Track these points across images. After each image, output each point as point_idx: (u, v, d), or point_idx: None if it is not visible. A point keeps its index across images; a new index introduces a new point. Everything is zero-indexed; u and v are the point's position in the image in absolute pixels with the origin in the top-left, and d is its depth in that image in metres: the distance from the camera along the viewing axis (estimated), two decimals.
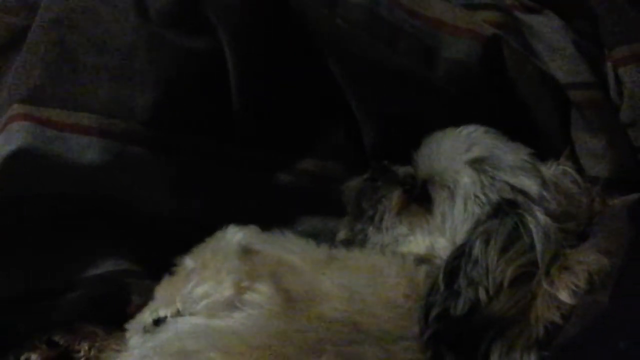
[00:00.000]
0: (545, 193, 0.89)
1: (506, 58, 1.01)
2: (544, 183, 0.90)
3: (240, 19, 0.99)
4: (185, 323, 0.84)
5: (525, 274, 0.83)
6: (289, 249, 0.89)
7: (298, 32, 1.01)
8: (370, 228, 0.98)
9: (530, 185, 0.89)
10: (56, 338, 0.94)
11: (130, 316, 0.93)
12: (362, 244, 0.97)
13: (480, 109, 1.01)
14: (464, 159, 0.93)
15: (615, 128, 1.02)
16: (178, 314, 0.87)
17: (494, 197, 0.89)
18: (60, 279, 0.96)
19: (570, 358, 0.79)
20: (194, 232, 0.94)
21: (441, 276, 0.84)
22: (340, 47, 1.00)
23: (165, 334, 0.83)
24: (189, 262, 0.92)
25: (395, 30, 0.99)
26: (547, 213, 0.86)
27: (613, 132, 1.01)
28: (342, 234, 1.00)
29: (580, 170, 1.01)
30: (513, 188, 0.89)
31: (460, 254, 0.85)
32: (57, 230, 0.96)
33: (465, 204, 0.90)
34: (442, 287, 0.84)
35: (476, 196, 0.90)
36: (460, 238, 0.90)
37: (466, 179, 0.91)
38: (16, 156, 0.91)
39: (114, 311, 0.96)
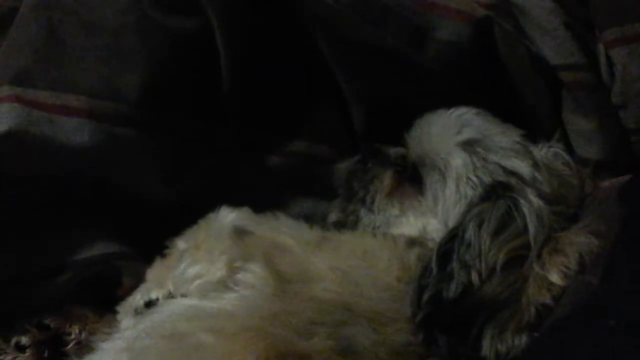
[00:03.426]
0: (537, 175, 0.89)
1: (497, 39, 1.01)
2: (535, 165, 0.90)
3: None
4: (177, 304, 0.84)
5: (517, 257, 0.83)
6: (282, 231, 0.89)
7: (288, 13, 1.00)
8: (362, 209, 0.97)
9: (522, 167, 0.89)
10: (47, 321, 0.94)
11: (121, 299, 0.93)
12: (354, 225, 0.97)
13: (471, 91, 1.01)
14: (455, 140, 0.92)
15: (607, 110, 1.02)
16: (169, 295, 0.87)
17: (486, 179, 0.89)
18: (51, 261, 0.96)
19: (560, 337, 0.79)
20: (185, 214, 0.93)
21: (434, 259, 0.84)
22: (330, 27, 1.00)
23: (157, 315, 0.83)
24: (181, 243, 0.92)
25: (385, 10, 0.99)
26: (540, 195, 0.86)
27: (604, 113, 1.01)
28: (333, 215, 1.00)
29: (571, 151, 1.02)
30: (505, 170, 0.89)
31: (453, 236, 0.85)
32: (48, 213, 0.96)
33: (457, 186, 0.90)
34: (434, 269, 0.84)
35: (468, 178, 0.90)
36: (452, 220, 0.90)
37: (457, 160, 0.91)
38: (5, 138, 0.90)
39: (105, 293, 0.96)
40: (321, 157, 1.05)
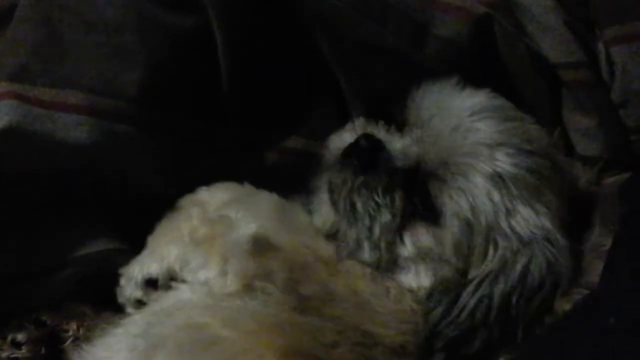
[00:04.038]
0: (559, 200, 0.87)
1: (497, 37, 1.00)
2: (554, 166, 0.89)
3: None
4: (187, 292, 0.83)
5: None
6: (302, 242, 0.88)
7: (288, 12, 1.00)
8: (367, 242, 0.89)
9: (549, 201, 0.86)
10: (44, 317, 0.93)
11: None
12: (354, 253, 0.90)
13: None
14: (483, 170, 0.85)
15: (607, 108, 1.01)
16: (169, 273, 0.86)
17: (519, 229, 0.85)
18: (51, 261, 0.96)
19: (560, 337, 0.79)
20: None
21: (462, 315, 0.83)
22: (330, 27, 1.00)
23: (167, 300, 0.84)
24: (196, 218, 0.90)
25: (385, 7, 0.98)
26: (563, 226, 0.86)
27: (604, 112, 1.01)
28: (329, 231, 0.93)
29: (571, 150, 1.02)
30: (534, 209, 0.85)
31: (483, 299, 0.83)
32: (48, 213, 0.95)
33: (487, 236, 0.85)
34: (459, 320, 0.83)
35: (499, 225, 0.85)
36: (477, 270, 0.86)
37: (487, 203, 0.85)
38: (4, 135, 0.89)
39: (105, 293, 0.95)
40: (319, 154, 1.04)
